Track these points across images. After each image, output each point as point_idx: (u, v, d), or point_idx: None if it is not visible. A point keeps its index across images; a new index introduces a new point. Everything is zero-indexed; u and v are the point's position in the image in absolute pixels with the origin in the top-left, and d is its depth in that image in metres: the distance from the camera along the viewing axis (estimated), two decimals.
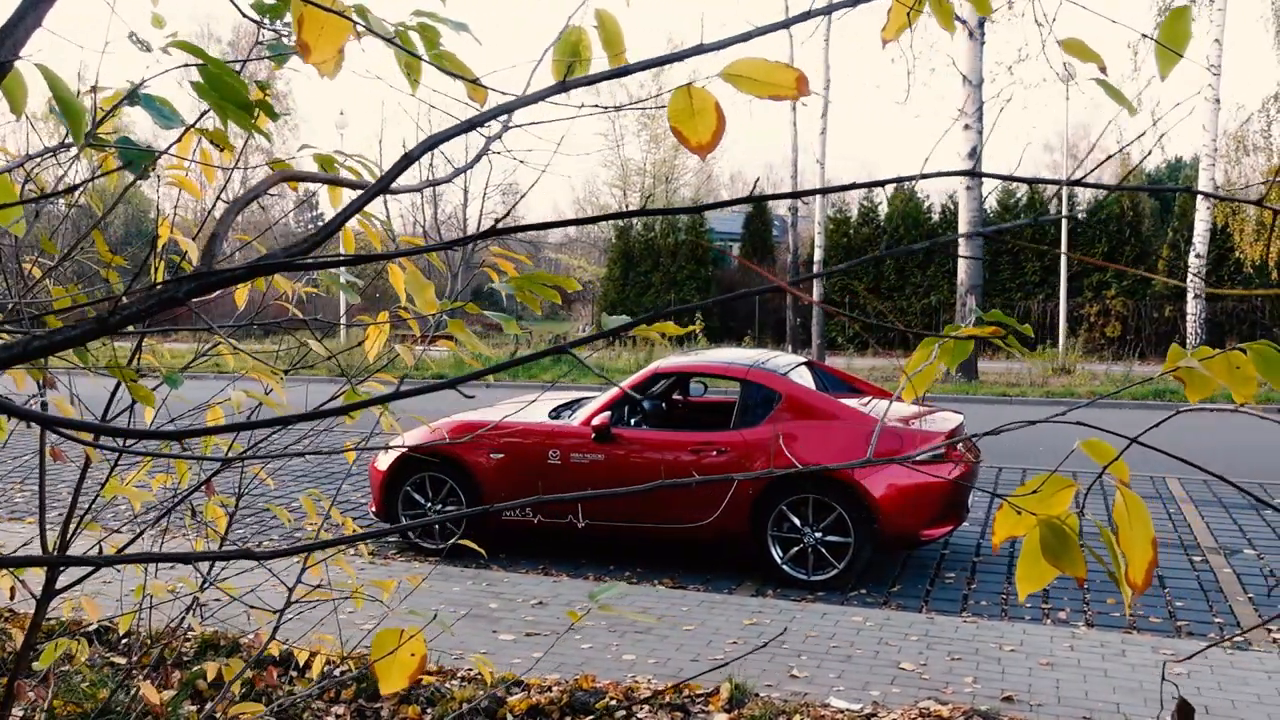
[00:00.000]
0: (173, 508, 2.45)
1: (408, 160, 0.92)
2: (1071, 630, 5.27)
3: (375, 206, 2.32)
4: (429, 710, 4.24)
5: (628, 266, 29.14)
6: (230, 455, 2.10)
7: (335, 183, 1.17)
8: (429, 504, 6.99)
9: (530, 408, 7.52)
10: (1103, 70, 1.38)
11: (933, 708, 4.16)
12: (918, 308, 26.44)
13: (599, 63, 1.54)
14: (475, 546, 2.97)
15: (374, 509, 7.22)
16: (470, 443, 6.87)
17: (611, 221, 32.29)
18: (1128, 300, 24.79)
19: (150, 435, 1.10)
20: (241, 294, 2.82)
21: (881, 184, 1.30)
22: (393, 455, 7.05)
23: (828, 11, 0.98)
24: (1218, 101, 18.45)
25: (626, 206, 34.59)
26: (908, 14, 1.41)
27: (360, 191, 1.26)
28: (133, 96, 1.77)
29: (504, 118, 1.52)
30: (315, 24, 1.04)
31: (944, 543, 7.14)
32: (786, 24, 0.98)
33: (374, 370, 2.64)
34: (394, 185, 1.48)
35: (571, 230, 48.15)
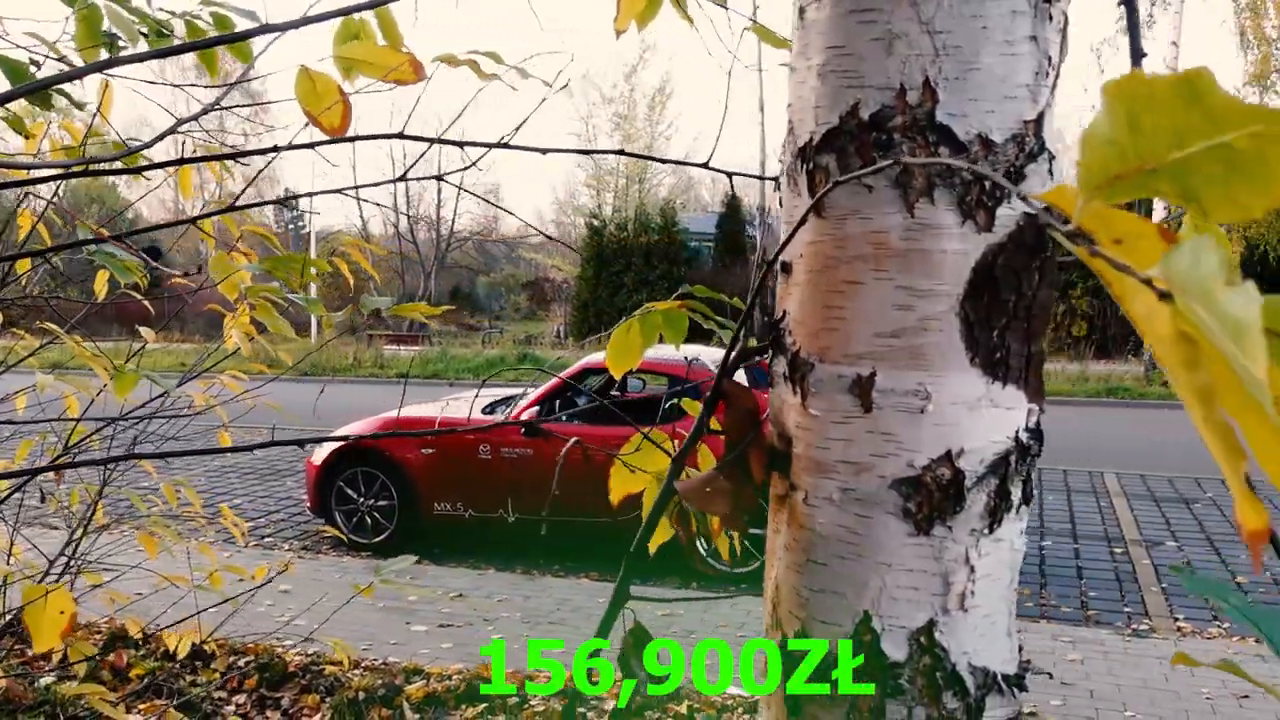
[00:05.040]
0: (16, 489, 2.49)
1: None
2: None
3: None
4: (328, 699, 4.28)
5: (600, 266, 29.20)
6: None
7: None
8: (361, 499, 7.02)
9: (464, 404, 7.57)
10: None
11: None
12: None
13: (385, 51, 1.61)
14: (337, 532, 3.01)
15: (310, 504, 7.25)
16: (401, 438, 6.91)
17: (585, 222, 32.26)
18: (1094, 300, 25.00)
19: None
20: (100, 287, 2.86)
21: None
22: (326, 451, 7.08)
23: None
24: None
25: (600, 207, 34.59)
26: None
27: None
28: None
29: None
30: None
31: None
32: (378, 2, 1.04)
33: (215, 362, 2.70)
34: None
35: (552, 231, 48.12)
